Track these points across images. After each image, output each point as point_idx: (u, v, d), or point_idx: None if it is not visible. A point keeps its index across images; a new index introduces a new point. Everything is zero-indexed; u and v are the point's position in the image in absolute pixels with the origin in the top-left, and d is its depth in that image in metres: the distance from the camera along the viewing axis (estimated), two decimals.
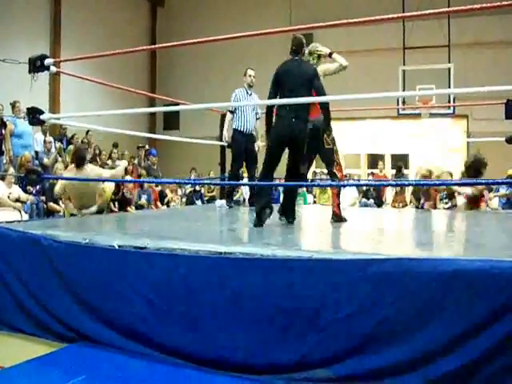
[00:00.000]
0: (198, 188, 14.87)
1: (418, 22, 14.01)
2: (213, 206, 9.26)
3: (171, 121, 19.35)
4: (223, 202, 8.17)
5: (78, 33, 15.91)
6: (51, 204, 9.94)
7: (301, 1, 17.54)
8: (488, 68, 14.72)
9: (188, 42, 5.31)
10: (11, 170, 9.60)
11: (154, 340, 3.54)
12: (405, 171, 15.35)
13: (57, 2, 15.40)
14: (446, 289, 2.86)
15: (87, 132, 13.44)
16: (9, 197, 9.05)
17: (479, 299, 2.80)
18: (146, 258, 3.66)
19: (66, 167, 10.95)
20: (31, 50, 6.77)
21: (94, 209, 7.09)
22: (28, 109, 5.48)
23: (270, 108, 5.39)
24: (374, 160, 16.99)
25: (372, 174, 15.84)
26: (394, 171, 15.53)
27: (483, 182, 5.90)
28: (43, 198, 10.11)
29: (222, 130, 8.24)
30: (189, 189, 14.94)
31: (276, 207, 5.55)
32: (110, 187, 8.84)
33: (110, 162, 13.19)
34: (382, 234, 5.53)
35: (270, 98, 5.21)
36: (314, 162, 7.45)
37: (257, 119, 7.98)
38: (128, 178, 12.57)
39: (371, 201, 14.27)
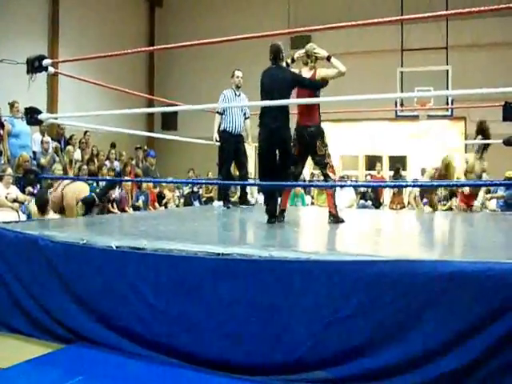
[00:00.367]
0: (195, 189, 14.86)
1: (416, 23, 14.01)
2: (211, 206, 9.26)
3: (169, 121, 19.34)
4: (221, 203, 8.18)
5: (76, 33, 15.88)
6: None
7: (299, 2, 17.53)
8: (486, 70, 14.74)
9: (185, 44, 5.33)
10: (9, 171, 9.58)
11: (151, 340, 3.54)
12: (403, 173, 15.37)
13: (55, 2, 15.36)
14: (443, 290, 2.87)
15: (85, 132, 13.41)
16: (6, 197, 9.03)
17: (476, 300, 2.81)
18: (144, 259, 3.66)
19: (63, 168, 10.97)
20: (29, 51, 6.77)
21: None
22: (26, 109, 5.48)
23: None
24: (372, 161, 16.99)
25: (370, 175, 15.83)
26: (391, 173, 15.53)
27: (483, 183, 5.92)
28: None
29: None
30: (187, 190, 14.92)
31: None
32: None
33: (107, 162, 13.18)
34: (379, 235, 5.54)
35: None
36: (312, 164, 7.44)
37: (245, 119, 7.99)
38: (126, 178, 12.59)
39: (369, 202, 14.28)
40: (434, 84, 11.32)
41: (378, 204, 14.35)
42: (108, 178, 12.04)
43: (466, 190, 8.08)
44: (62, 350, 3.78)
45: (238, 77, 7.89)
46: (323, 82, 5.69)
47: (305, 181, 11.99)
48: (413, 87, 11.29)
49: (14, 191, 9.26)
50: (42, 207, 6.98)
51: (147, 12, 20.07)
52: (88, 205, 7.13)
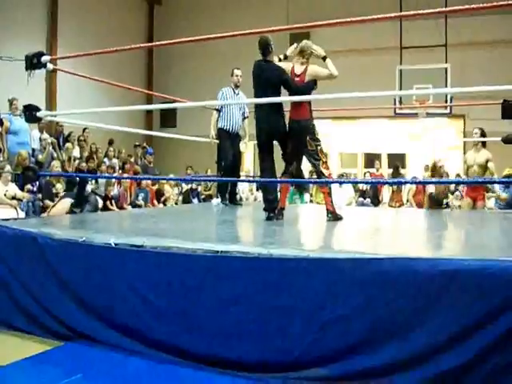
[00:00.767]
0: (194, 186, 14.86)
1: (415, 21, 14.01)
2: (209, 204, 9.26)
3: (168, 119, 19.33)
4: (219, 200, 8.17)
5: (74, 30, 15.86)
6: (47, 202, 9.91)
7: (298, 0, 17.53)
8: (485, 68, 14.73)
9: (184, 40, 5.31)
10: (7, 168, 9.58)
11: (150, 338, 3.54)
12: (402, 171, 15.38)
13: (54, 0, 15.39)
14: (442, 288, 2.87)
15: (84, 130, 13.41)
16: (5, 194, 9.03)
17: (476, 299, 2.81)
18: (143, 257, 3.66)
19: (62, 164, 10.96)
20: (28, 47, 6.76)
21: None
22: (25, 106, 5.48)
23: None
24: (371, 159, 16.99)
25: (369, 173, 15.84)
26: (390, 171, 15.54)
27: (482, 181, 5.92)
28: (39, 195, 10.09)
29: None
30: (185, 187, 14.92)
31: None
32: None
33: (106, 159, 13.18)
34: (378, 233, 5.53)
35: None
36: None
37: (244, 118, 7.95)
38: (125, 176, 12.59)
39: (368, 200, 14.28)
40: (433, 82, 11.31)
41: (376, 202, 14.35)
42: (107, 175, 12.06)
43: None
44: (61, 347, 3.78)
45: (237, 75, 7.84)
46: (309, 85, 5.67)
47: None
48: (412, 85, 11.29)
49: (13, 188, 9.26)
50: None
51: (146, 10, 20.06)
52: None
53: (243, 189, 14.55)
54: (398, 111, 13.14)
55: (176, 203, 13.96)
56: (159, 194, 13.63)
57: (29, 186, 9.72)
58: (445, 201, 7.35)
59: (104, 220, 6.14)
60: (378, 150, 17.56)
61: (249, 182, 15.32)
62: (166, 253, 3.58)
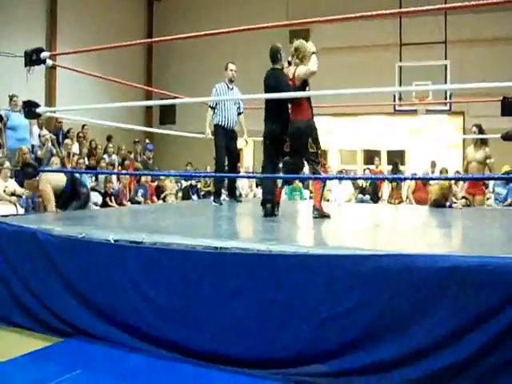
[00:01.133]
0: (194, 183, 14.86)
1: (414, 18, 13.99)
2: (209, 200, 9.25)
3: (167, 115, 19.32)
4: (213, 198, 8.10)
5: (74, 26, 15.85)
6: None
7: None
8: (484, 65, 14.72)
9: (183, 36, 5.31)
10: (7, 164, 9.58)
11: (150, 334, 3.54)
12: (401, 167, 15.38)
13: None
14: (442, 285, 2.87)
15: (83, 126, 13.41)
16: (5, 191, 9.03)
17: (475, 295, 2.81)
18: (142, 253, 3.66)
19: (61, 160, 10.95)
20: (27, 44, 6.75)
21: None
22: (24, 102, 5.47)
23: None
24: (371, 156, 16.98)
25: (368, 169, 15.83)
26: (390, 167, 15.54)
27: (482, 177, 5.92)
28: None
29: None
30: (185, 184, 14.93)
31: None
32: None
33: (105, 156, 13.18)
34: (378, 229, 5.54)
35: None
36: None
37: (239, 114, 7.89)
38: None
39: (367, 197, 14.27)
40: (432, 79, 11.31)
41: (376, 199, 14.35)
42: (106, 171, 12.06)
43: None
44: (60, 343, 3.79)
45: (231, 70, 7.70)
46: (302, 88, 5.66)
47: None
48: (411, 82, 11.28)
49: (12, 184, 9.26)
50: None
51: (146, 6, 20.03)
52: (64, 198, 7.00)
53: (243, 185, 14.55)
54: (397, 108, 13.13)
55: (176, 198, 13.97)
56: (159, 191, 13.64)
57: None
58: (447, 203, 7.36)
59: (103, 216, 6.14)
60: (378, 146, 17.55)
61: (248, 177, 15.31)
62: (166, 249, 3.59)
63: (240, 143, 8.05)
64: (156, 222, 5.34)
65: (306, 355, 3.12)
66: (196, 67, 18.42)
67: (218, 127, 7.61)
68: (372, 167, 15.62)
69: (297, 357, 3.14)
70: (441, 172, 13.65)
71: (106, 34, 15.79)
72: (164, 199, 13.47)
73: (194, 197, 14.50)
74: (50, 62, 5.39)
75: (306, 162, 5.85)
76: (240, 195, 10.95)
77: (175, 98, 8.80)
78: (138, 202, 12.22)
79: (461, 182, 8.91)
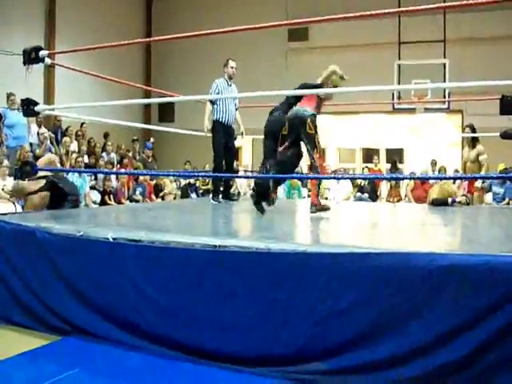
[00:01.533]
0: (192, 181, 14.86)
1: (413, 16, 14.00)
2: (208, 199, 9.25)
3: (166, 113, 19.29)
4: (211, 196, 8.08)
5: (73, 25, 15.84)
6: None
7: None
8: (483, 63, 14.71)
9: (182, 36, 5.30)
10: (5, 162, 9.57)
11: (149, 332, 3.54)
12: (400, 166, 15.40)
13: None
14: (441, 283, 2.87)
15: (82, 124, 13.41)
16: (3, 189, 9.02)
17: (474, 293, 2.81)
18: (141, 251, 3.67)
19: (60, 159, 10.94)
20: (26, 42, 6.75)
21: None
22: (22, 100, 5.46)
23: None
24: (369, 154, 16.99)
25: (367, 168, 15.84)
26: (388, 165, 15.56)
27: (481, 176, 5.92)
28: None
29: None
30: (184, 182, 14.93)
31: None
32: None
33: (104, 154, 13.18)
34: (377, 228, 5.54)
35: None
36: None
37: (235, 110, 7.88)
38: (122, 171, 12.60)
39: (366, 195, 14.28)
40: (431, 77, 11.30)
41: (374, 197, 14.35)
42: (105, 170, 12.06)
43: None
44: (59, 341, 3.78)
45: (232, 67, 7.70)
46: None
47: (302, 173, 11.98)
48: (410, 80, 11.28)
49: (11, 183, 9.24)
50: None
51: (144, 5, 20.00)
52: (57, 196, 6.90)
53: (241, 184, 14.54)
54: (396, 106, 13.14)
55: (174, 198, 13.97)
56: (158, 189, 13.63)
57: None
58: (450, 199, 7.37)
59: (102, 214, 6.14)
60: (377, 144, 17.57)
61: (246, 177, 15.30)
62: (165, 247, 3.59)
63: (237, 141, 8.04)
64: (155, 220, 5.34)
65: (305, 353, 3.12)
66: (194, 66, 18.41)
67: (218, 123, 7.57)
68: (371, 165, 15.63)
69: (296, 355, 3.14)
70: (439, 171, 13.68)
71: (105, 34, 15.78)
72: (163, 198, 13.47)
73: (193, 195, 14.51)
74: (48, 61, 5.38)
75: (304, 150, 5.85)
76: (239, 194, 10.95)
77: (173, 96, 8.77)
78: (137, 201, 12.22)
79: (459, 181, 8.94)
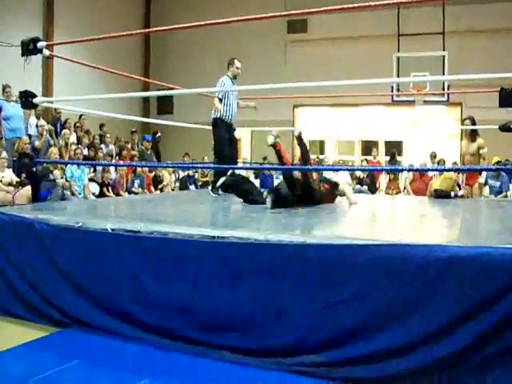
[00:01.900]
0: (191, 173, 14.87)
1: (412, 8, 13.98)
2: (206, 191, 9.24)
3: (165, 106, 19.27)
4: (210, 188, 8.07)
5: (71, 16, 15.79)
6: None
7: None
8: (482, 56, 14.70)
9: (180, 27, 5.30)
10: (3, 154, 9.57)
11: (148, 324, 3.55)
12: (398, 158, 15.40)
13: None
14: (440, 275, 2.88)
15: (80, 116, 13.40)
16: (1, 181, 9.01)
17: (472, 286, 2.81)
18: (140, 242, 3.66)
19: (59, 151, 10.94)
20: (24, 33, 6.72)
21: None
22: (21, 92, 5.45)
23: None
24: (368, 147, 16.99)
25: (366, 160, 15.84)
26: (387, 158, 15.57)
27: (477, 168, 5.92)
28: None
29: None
30: (182, 174, 14.94)
31: None
32: None
33: (103, 146, 13.17)
34: (376, 220, 5.54)
35: None
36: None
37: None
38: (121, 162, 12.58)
39: (365, 187, 14.29)
40: (430, 70, 11.28)
41: (373, 189, 14.36)
42: (105, 162, 12.06)
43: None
44: (57, 333, 3.79)
45: (238, 68, 7.66)
46: None
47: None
48: (409, 73, 11.25)
49: (9, 175, 9.24)
50: None
51: None
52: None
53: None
54: (395, 98, 13.12)
55: (173, 189, 13.96)
56: (156, 181, 13.63)
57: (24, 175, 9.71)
58: (452, 193, 7.39)
59: (100, 206, 6.14)
60: (376, 137, 17.57)
61: (246, 169, 15.29)
62: (163, 238, 3.59)
63: (236, 132, 8.04)
64: (153, 211, 5.33)
65: (302, 345, 3.13)
66: (194, 57, 18.38)
67: (221, 121, 7.52)
68: (370, 158, 15.64)
69: (294, 346, 3.15)
70: (438, 163, 13.68)
71: (104, 24, 15.74)
72: (161, 190, 13.47)
73: (192, 187, 14.51)
74: (46, 52, 5.37)
75: None
76: None
77: (171, 89, 8.76)
78: (135, 193, 12.22)
79: (459, 174, 8.96)
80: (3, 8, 13.73)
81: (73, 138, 12.26)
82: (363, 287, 3.03)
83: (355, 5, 4.42)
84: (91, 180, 11.50)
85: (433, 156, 14.24)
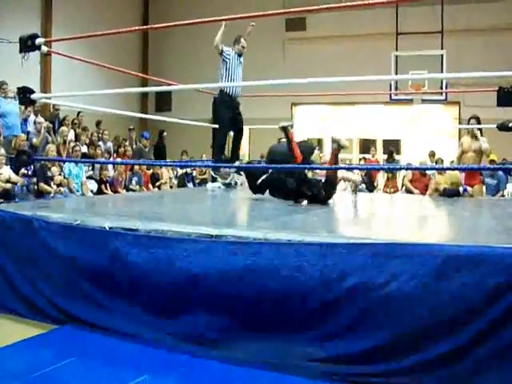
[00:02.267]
0: (189, 170, 14.87)
1: (411, 7, 14.00)
2: (204, 188, 9.26)
3: (163, 102, 19.27)
4: (215, 184, 8.08)
5: (69, 13, 15.79)
6: (42, 185, 9.92)
7: None
8: (480, 55, 14.72)
9: (179, 23, 5.29)
10: (1, 151, 9.56)
11: (147, 321, 3.54)
12: (396, 156, 15.41)
13: None
14: (436, 273, 2.88)
15: (78, 113, 13.39)
16: None
17: (470, 284, 2.82)
18: (138, 240, 3.66)
19: (57, 148, 10.94)
20: (22, 30, 6.71)
21: None
22: (19, 88, 5.44)
23: None
24: (366, 145, 17.02)
25: (364, 158, 15.85)
26: (386, 156, 15.59)
27: (479, 167, 5.92)
28: (34, 179, 10.09)
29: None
30: (180, 171, 14.94)
31: None
32: None
33: (101, 143, 13.17)
34: (373, 218, 5.54)
35: None
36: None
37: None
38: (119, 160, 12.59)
39: (363, 186, 14.30)
40: (428, 68, 11.30)
41: (371, 187, 14.38)
42: (103, 160, 12.06)
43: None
44: (54, 330, 3.78)
45: (243, 46, 7.60)
46: None
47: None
48: (407, 71, 11.28)
49: (7, 172, 9.24)
50: None
51: None
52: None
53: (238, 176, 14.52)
54: (393, 97, 13.15)
55: (171, 187, 13.98)
56: (154, 178, 13.64)
57: (23, 170, 9.72)
58: (461, 188, 7.41)
59: (99, 203, 6.13)
60: (374, 135, 17.59)
61: (247, 168, 15.28)
62: (161, 236, 3.59)
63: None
64: (151, 209, 5.33)
65: (300, 341, 3.13)
66: (192, 55, 18.37)
67: (225, 95, 7.25)
68: (368, 156, 15.66)
69: (291, 342, 3.15)
70: (436, 162, 13.69)
71: (102, 21, 15.73)
72: (159, 187, 13.48)
73: (190, 184, 14.52)
74: (45, 49, 5.37)
75: None
76: (236, 184, 10.94)
77: (170, 85, 8.75)
78: (133, 190, 12.23)
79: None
80: (1, 4, 13.72)
81: (71, 136, 12.26)
82: (360, 285, 3.03)
83: (354, 3, 4.43)
84: (89, 177, 11.51)
85: (431, 155, 14.26)
